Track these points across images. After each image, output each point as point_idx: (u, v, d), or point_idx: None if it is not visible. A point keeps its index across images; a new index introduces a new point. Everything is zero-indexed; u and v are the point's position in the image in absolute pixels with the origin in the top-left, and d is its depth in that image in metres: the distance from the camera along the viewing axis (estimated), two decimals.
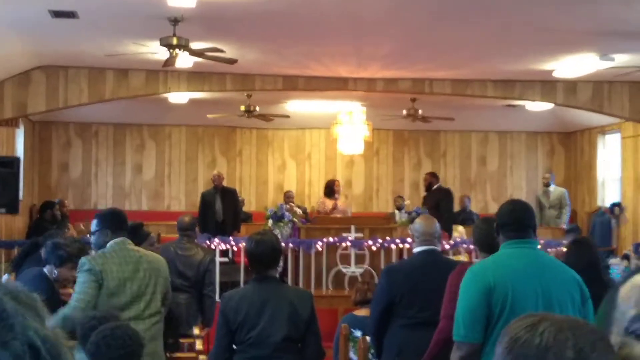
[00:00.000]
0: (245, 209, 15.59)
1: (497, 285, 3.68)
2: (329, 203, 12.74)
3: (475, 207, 16.23)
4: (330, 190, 12.84)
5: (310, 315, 4.23)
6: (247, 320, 4.18)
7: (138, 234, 6.54)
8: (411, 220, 12.45)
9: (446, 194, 12.99)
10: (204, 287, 7.17)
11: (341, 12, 8.26)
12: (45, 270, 5.20)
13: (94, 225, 4.84)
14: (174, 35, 8.52)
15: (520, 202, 4.15)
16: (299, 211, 14.07)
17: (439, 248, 5.12)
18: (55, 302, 4.77)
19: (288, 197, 14.65)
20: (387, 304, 4.89)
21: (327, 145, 16.97)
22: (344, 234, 11.07)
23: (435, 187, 13.15)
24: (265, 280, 4.26)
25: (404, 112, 14.01)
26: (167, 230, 13.88)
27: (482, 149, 17.68)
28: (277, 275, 4.49)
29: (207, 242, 10.66)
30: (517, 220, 3.86)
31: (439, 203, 12.44)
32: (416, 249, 5.09)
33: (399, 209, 13.71)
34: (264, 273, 4.27)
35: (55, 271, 5.15)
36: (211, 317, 7.14)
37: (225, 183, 14.01)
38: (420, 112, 14.00)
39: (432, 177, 13.44)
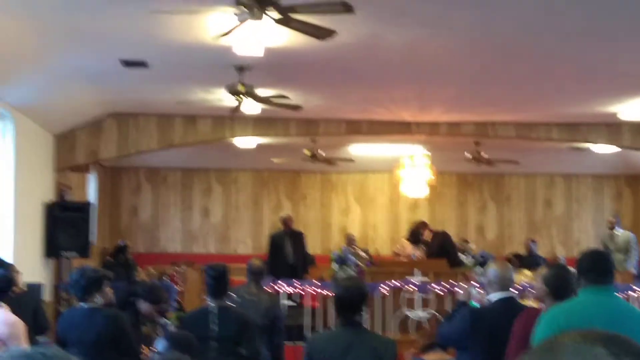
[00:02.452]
0: (309, 252, 15.69)
1: None
2: (409, 249, 12.78)
3: (541, 251, 16.02)
4: (415, 237, 12.88)
5: None
6: None
7: None
8: (477, 264, 12.41)
9: (444, 235, 12.99)
10: (274, 335, 7.05)
11: (404, 57, 8.38)
12: None
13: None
14: (240, 82, 8.75)
15: (599, 250, 4.24)
16: (363, 254, 14.14)
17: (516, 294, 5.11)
18: None
19: (350, 240, 14.71)
20: (465, 346, 4.89)
21: (390, 188, 17.01)
22: (408, 278, 11.06)
23: (429, 233, 13.12)
24: (350, 325, 4.32)
25: (468, 155, 14.01)
26: (233, 273, 14.02)
27: (547, 192, 17.51)
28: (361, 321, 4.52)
29: (272, 284, 10.76)
30: (597, 267, 3.93)
31: (443, 246, 12.41)
32: (494, 296, 5.05)
33: (464, 252, 13.65)
34: (350, 318, 4.32)
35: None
36: None
37: None
38: (484, 155, 13.98)
39: (423, 226, 13.43)
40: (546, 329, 3.76)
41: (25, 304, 6.76)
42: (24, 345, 5.52)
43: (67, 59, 8.28)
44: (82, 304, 5.36)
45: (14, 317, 5.57)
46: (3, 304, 5.60)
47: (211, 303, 5.59)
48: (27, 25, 7.00)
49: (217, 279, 5.65)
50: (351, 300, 4.30)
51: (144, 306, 6.18)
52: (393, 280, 11.02)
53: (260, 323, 7.11)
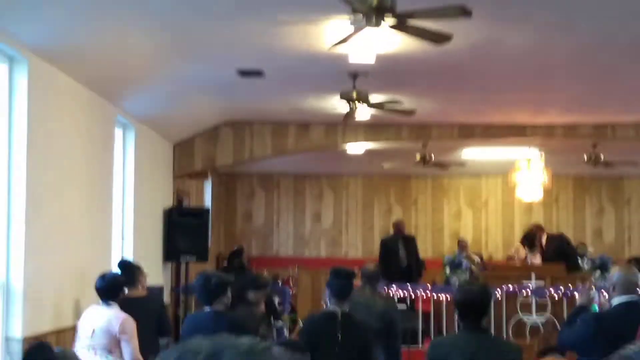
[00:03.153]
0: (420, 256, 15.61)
1: None
2: (523, 253, 12.61)
3: None
4: (530, 241, 12.70)
5: None
6: None
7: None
8: (595, 268, 12.07)
9: (562, 239, 12.63)
10: (391, 340, 7.04)
11: (521, 61, 8.25)
12: None
13: None
14: (354, 89, 8.81)
15: None
16: (476, 258, 13.97)
17: None
18: None
19: (462, 245, 14.57)
20: (588, 351, 4.79)
21: (504, 192, 16.76)
22: (524, 282, 10.88)
23: (545, 237, 12.78)
24: (475, 330, 4.23)
25: (585, 157, 13.65)
26: None
27: None
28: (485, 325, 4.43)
29: (385, 288, 10.78)
30: None
31: (560, 250, 12.07)
32: (617, 299, 4.93)
33: (582, 256, 13.30)
34: (474, 323, 4.24)
35: None
36: None
37: None
38: (602, 157, 13.59)
39: (539, 229, 13.07)
40: None
41: (149, 306, 6.99)
42: (135, 341, 5.80)
43: (187, 70, 8.54)
44: (206, 307, 5.47)
45: (124, 314, 5.87)
46: (113, 303, 5.89)
47: (334, 308, 5.55)
48: (149, 38, 7.27)
49: (342, 285, 5.59)
50: (473, 304, 4.23)
51: (251, 295, 6.36)
52: (508, 285, 10.87)
53: (375, 327, 7.13)
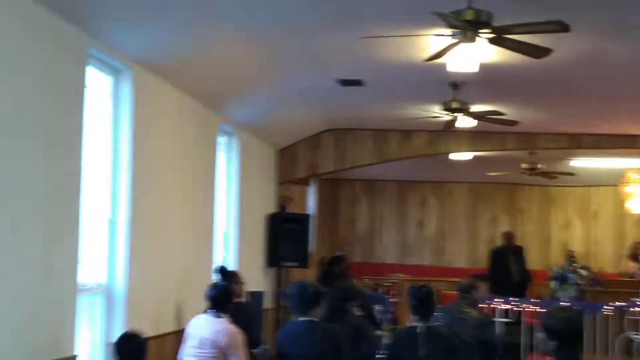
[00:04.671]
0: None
1: None
2: (632, 267, 12.23)
3: None
4: (632, 253, 12.36)
5: None
6: None
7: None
8: None
9: None
10: (485, 354, 6.98)
11: (629, 71, 7.96)
12: None
13: None
14: (454, 99, 8.72)
15: None
16: (584, 272, 13.56)
17: None
18: None
19: (570, 257, 14.18)
20: None
21: (615, 203, 16.20)
22: (633, 299, 10.51)
23: None
24: (566, 358, 4.09)
25: None
26: (447, 287, 13.98)
27: None
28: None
29: (489, 302, 10.62)
30: None
31: None
32: None
33: None
34: (565, 351, 4.09)
35: None
36: None
37: None
38: None
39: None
40: None
41: (245, 313, 7.07)
42: (243, 355, 5.74)
43: (289, 80, 8.65)
44: (301, 317, 5.49)
45: (234, 328, 5.75)
46: (223, 315, 5.78)
47: (417, 323, 5.55)
48: (252, 51, 7.39)
49: (422, 300, 5.59)
50: (564, 331, 4.08)
51: (347, 305, 6.39)
52: (617, 302, 10.52)
53: (469, 341, 7.04)
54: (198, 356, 5.71)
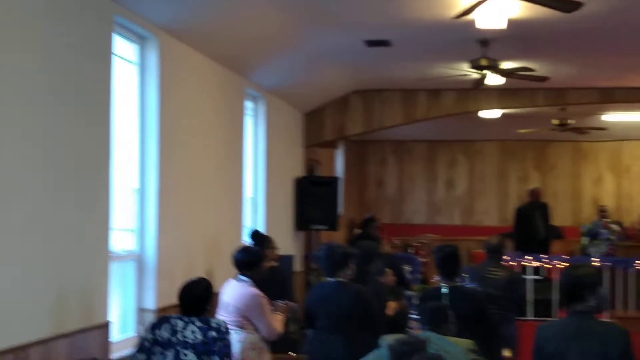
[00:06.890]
0: (558, 223, 15.16)
1: None
2: None
3: None
4: None
5: (622, 353, 4.01)
6: (556, 354, 4.10)
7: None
8: None
9: None
10: (508, 312, 6.99)
11: None
12: None
13: None
14: (483, 57, 8.58)
15: None
16: (616, 227, 13.45)
17: None
18: None
19: (602, 212, 14.05)
20: None
21: None
22: None
23: None
24: (577, 314, 4.13)
25: None
26: (477, 246, 13.93)
27: None
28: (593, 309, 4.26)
29: (516, 260, 10.56)
30: None
31: None
32: None
33: None
34: (576, 307, 4.13)
35: None
36: (512, 341, 7.04)
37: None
38: None
39: None
40: None
41: (279, 278, 7.08)
42: (267, 317, 5.62)
43: (315, 41, 8.56)
44: (330, 278, 5.54)
45: (254, 291, 5.61)
46: (247, 279, 5.64)
47: (441, 284, 5.58)
48: (277, 12, 7.31)
49: (445, 260, 5.61)
50: (575, 288, 4.09)
51: (374, 265, 6.41)
52: None
53: (499, 301, 7.03)
54: (228, 321, 5.70)
